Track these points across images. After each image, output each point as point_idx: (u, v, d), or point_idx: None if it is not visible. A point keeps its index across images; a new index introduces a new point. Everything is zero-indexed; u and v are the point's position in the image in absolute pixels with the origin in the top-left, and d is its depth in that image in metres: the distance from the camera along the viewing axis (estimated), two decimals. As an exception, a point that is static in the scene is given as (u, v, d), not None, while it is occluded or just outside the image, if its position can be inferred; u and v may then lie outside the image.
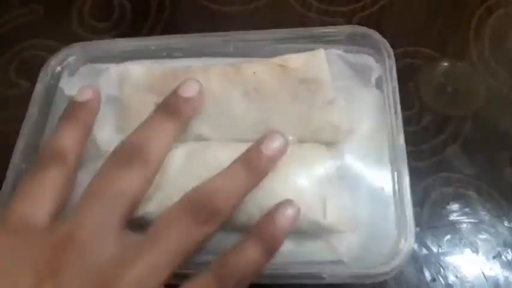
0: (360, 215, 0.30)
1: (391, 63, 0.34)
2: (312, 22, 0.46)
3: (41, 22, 0.49)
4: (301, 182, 0.29)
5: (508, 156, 0.39)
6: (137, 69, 0.34)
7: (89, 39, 0.46)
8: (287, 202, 0.27)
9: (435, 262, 0.35)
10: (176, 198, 0.26)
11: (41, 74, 0.36)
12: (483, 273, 0.35)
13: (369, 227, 0.30)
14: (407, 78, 0.42)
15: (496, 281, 0.35)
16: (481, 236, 0.36)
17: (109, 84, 0.35)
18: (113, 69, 0.35)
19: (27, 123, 0.35)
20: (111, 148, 0.29)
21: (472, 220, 0.37)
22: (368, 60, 0.34)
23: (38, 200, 0.26)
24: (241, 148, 0.28)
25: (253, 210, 0.28)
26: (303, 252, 0.28)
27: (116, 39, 0.37)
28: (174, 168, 0.29)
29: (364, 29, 0.35)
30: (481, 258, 0.35)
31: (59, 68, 0.37)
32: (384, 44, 0.35)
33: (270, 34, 0.36)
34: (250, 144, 0.29)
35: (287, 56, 0.32)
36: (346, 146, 0.32)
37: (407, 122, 0.40)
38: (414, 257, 0.35)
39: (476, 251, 0.36)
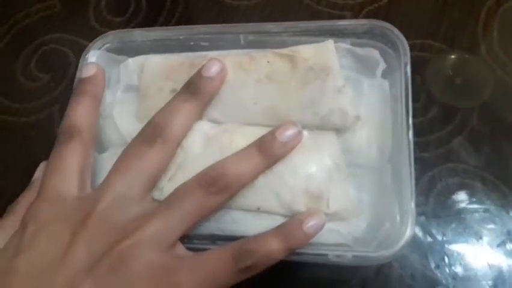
0: (365, 201, 0.31)
1: (406, 60, 0.34)
2: (321, 15, 0.47)
3: (58, 17, 0.50)
4: (309, 170, 0.31)
5: (515, 148, 0.40)
6: (155, 58, 0.36)
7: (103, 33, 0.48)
8: (317, 213, 0.29)
9: (439, 250, 0.36)
10: None
11: (80, 61, 0.37)
12: (487, 261, 0.36)
13: (373, 213, 0.31)
14: (415, 71, 0.43)
15: (499, 269, 0.35)
16: (485, 225, 0.37)
17: (129, 74, 0.36)
18: (132, 60, 0.37)
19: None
20: (133, 135, 0.31)
21: (477, 210, 0.37)
22: (373, 53, 0.35)
23: (64, 173, 0.30)
24: (257, 132, 0.31)
25: (267, 195, 0.30)
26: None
27: (147, 28, 0.38)
28: (194, 150, 0.31)
29: (382, 23, 0.36)
30: (485, 246, 0.36)
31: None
32: (402, 40, 0.35)
33: (287, 26, 0.37)
34: (264, 128, 0.31)
35: (298, 46, 0.34)
36: (353, 134, 0.33)
37: (413, 114, 0.41)
38: (418, 244, 0.36)
39: (480, 239, 0.36)
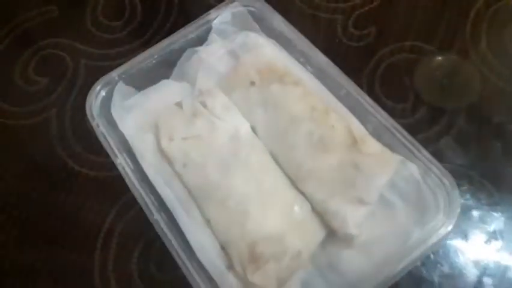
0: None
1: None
2: (313, 18, 0.48)
3: (56, 22, 0.52)
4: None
5: (500, 148, 0.40)
6: None
7: (102, 37, 0.49)
8: None
9: (426, 248, 0.37)
10: None
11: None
12: (472, 259, 0.36)
13: None
14: (403, 72, 0.44)
15: (485, 266, 0.36)
16: (471, 224, 0.38)
17: None
18: None
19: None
20: None
21: (463, 208, 0.38)
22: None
23: None
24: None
25: None
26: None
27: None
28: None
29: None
30: (470, 244, 0.37)
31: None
32: None
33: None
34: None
35: (368, 138, 0.35)
36: None
37: (401, 115, 0.42)
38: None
39: (465, 237, 0.37)
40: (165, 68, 0.41)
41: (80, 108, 0.45)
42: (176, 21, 0.50)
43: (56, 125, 0.45)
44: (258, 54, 0.39)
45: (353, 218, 0.32)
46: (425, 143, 0.40)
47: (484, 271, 0.36)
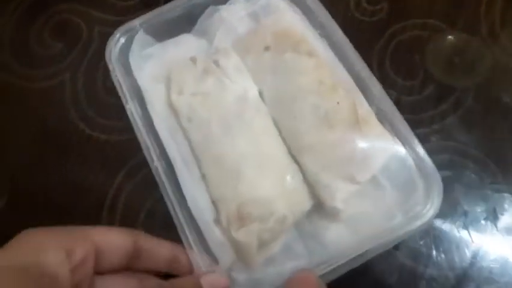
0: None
1: None
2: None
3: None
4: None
5: (508, 128, 0.40)
6: None
7: (116, 5, 0.50)
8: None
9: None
10: None
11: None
12: (471, 236, 0.37)
13: None
14: (414, 49, 0.44)
15: (481, 243, 0.37)
16: (472, 202, 0.38)
17: None
18: None
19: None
20: None
21: (465, 186, 0.39)
22: None
23: None
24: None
25: None
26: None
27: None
28: None
29: None
30: (469, 222, 0.37)
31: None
32: None
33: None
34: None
35: (372, 119, 0.35)
36: None
37: (409, 91, 0.42)
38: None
39: (465, 214, 0.38)
40: (186, 22, 0.41)
41: (93, 73, 0.47)
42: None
43: (69, 88, 0.46)
44: (277, 19, 0.39)
45: (341, 193, 0.32)
46: (431, 121, 0.41)
47: (480, 245, 0.37)
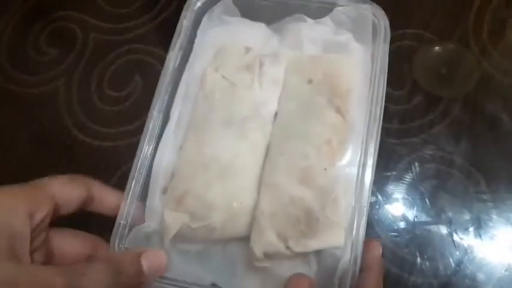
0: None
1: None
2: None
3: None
4: None
5: (493, 138, 0.41)
6: None
7: (111, 12, 0.51)
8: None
9: (410, 230, 0.38)
10: None
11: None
12: (455, 244, 0.38)
13: None
14: (402, 59, 0.44)
15: (465, 251, 0.37)
16: (456, 210, 0.39)
17: None
18: None
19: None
20: None
21: (450, 194, 0.39)
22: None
23: None
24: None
25: None
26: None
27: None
28: None
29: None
30: (454, 230, 0.38)
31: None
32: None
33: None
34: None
35: (339, 204, 0.33)
36: None
37: (397, 101, 0.43)
38: (390, 224, 0.39)
39: (450, 222, 0.38)
40: (276, 12, 0.40)
41: (87, 79, 0.48)
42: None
43: (63, 94, 0.47)
44: (339, 61, 0.37)
45: (268, 246, 0.31)
46: (419, 131, 0.42)
47: (464, 253, 0.37)
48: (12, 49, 0.50)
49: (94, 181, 0.34)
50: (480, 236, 0.38)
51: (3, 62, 0.50)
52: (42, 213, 0.30)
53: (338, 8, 0.38)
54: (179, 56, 0.37)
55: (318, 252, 0.32)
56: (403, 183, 0.40)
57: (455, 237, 0.38)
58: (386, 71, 0.35)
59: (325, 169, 0.33)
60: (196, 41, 0.39)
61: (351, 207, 0.32)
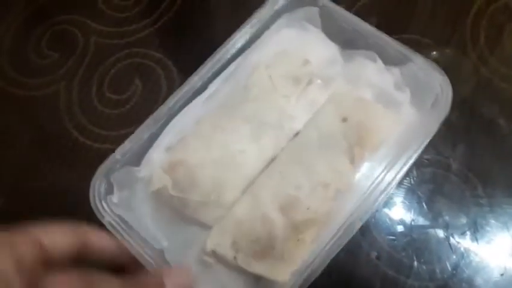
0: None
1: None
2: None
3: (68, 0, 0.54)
4: None
5: (489, 143, 0.41)
6: None
7: (112, 16, 0.51)
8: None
9: (407, 234, 0.39)
10: None
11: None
12: (451, 248, 0.38)
13: None
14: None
15: (462, 255, 0.38)
16: (453, 214, 0.39)
17: None
18: None
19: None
20: None
21: (447, 198, 0.40)
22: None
23: None
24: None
25: None
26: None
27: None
28: None
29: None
30: (451, 233, 0.38)
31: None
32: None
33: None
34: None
35: (311, 230, 0.33)
36: None
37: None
38: (387, 227, 0.39)
39: (447, 226, 0.39)
40: (352, 41, 0.39)
41: (87, 82, 0.48)
42: (182, 3, 0.51)
43: (64, 97, 0.47)
44: (381, 115, 0.36)
45: (215, 246, 0.32)
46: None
47: (460, 257, 0.38)
48: (13, 52, 0.51)
49: (86, 228, 0.31)
50: (477, 240, 0.38)
51: (5, 65, 0.50)
52: (30, 257, 0.28)
53: (412, 64, 0.37)
54: (241, 41, 0.38)
55: (260, 278, 0.32)
56: (400, 187, 0.40)
57: (452, 241, 0.38)
58: (426, 143, 0.34)
59: (308, 208, 0.32)
60: (266, 33, 0.39)
61: (313, 256, 0.31)
